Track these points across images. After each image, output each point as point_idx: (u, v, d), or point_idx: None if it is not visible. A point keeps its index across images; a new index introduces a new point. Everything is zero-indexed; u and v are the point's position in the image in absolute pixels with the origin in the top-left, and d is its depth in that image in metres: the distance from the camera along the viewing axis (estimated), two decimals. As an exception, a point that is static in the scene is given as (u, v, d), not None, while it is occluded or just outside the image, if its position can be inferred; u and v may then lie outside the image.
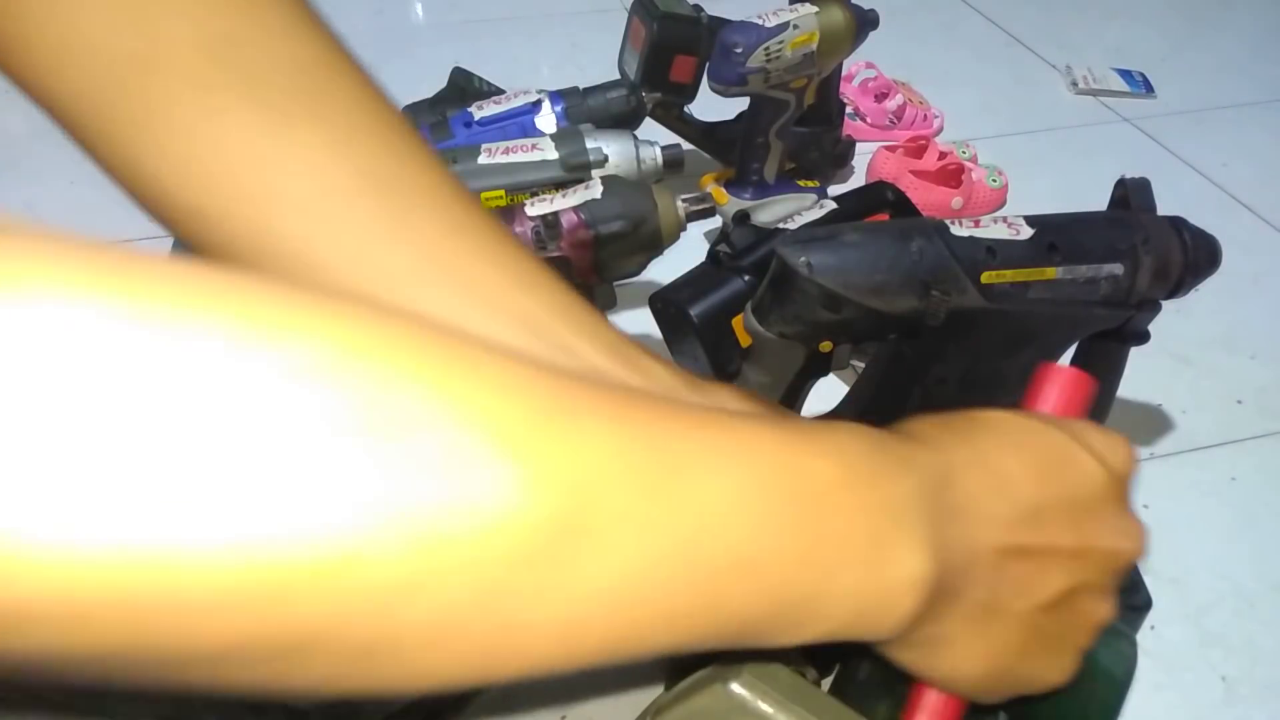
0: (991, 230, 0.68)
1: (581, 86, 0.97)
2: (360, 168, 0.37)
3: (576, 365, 0.40)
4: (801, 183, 1.09)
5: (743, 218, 0.89)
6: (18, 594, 0.17)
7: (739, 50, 0.94)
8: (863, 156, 1.19)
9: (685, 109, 1.08)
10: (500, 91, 1.03)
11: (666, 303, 0.87)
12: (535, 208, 0.74)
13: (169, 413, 0.18)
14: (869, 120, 1.30)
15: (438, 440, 0.21)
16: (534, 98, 0.95)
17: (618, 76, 1.03)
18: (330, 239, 0.37)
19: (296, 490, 0.19)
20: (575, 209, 0.74)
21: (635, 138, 0.88)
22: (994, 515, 0.31)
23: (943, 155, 1.18)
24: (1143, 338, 0.75)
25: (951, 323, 0.66)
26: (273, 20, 0.37)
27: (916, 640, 0.31)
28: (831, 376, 0.74)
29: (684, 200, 0.76)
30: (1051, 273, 0.68)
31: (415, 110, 1.00)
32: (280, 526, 0.19)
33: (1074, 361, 0.79)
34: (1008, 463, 0.32)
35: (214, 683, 0.21)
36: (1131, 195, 0.73)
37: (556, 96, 0.95)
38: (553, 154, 0.84)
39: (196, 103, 0.35)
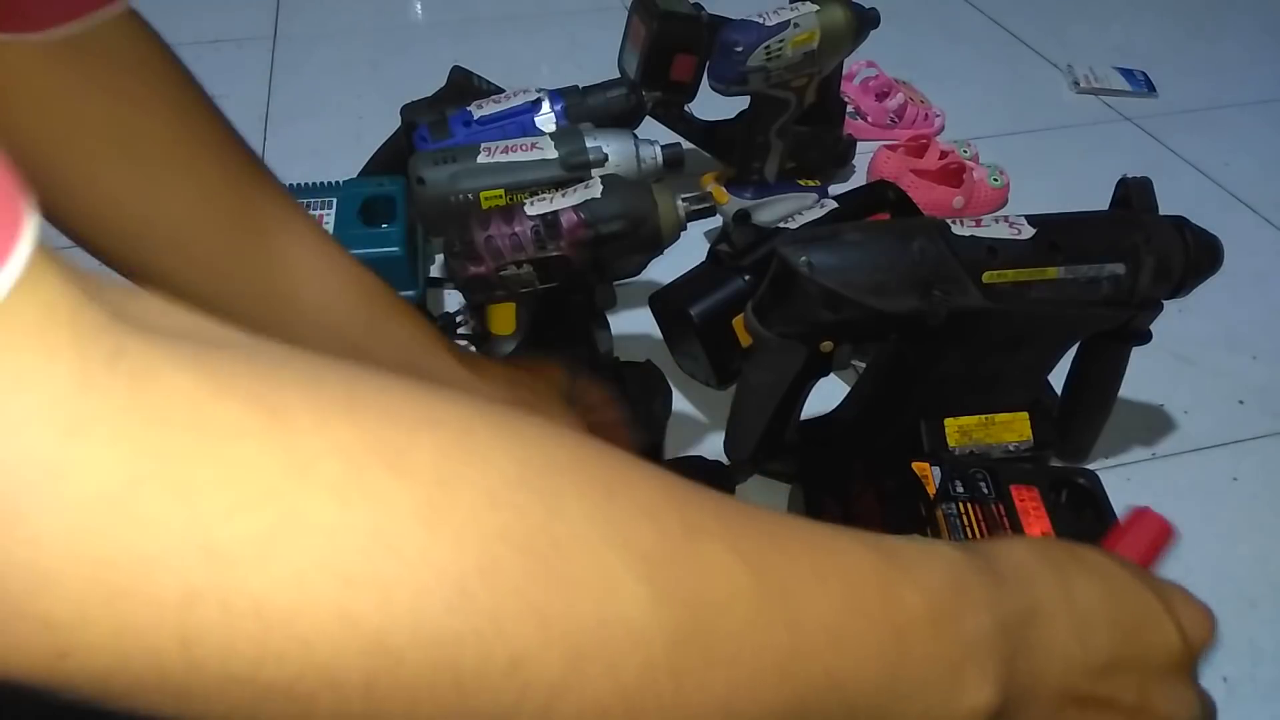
0: (993, 230, 0.68)
1: (581, 85, 0.97)
2: (215, 217, 0.53)
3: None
4: (802, 182, 1.09)
5: (743, 217, 0.89)
6: (287, 670, 0.21)
7: (739, 49, 0.93)
8: (864, 156, 1.19)
9: (685, 108, 1.08)
10: (500, 90, 1.03)
11: (666, 303, 0.87)
12: (535, 207, 0.74)
13: (403, 526, 0.22)
14: (870, 119, 1.30)
15: (591, 561, 0.24)
16: (533, 96, 0.95)
17: (618, 75, 1.03)
18: (195, 273, 0.52)
19: (486, 598, 0.22)
20: (575, 208, 0.73)
21: (635, 137, 0.87)
22: (1068, 660, 0.32)
23: (944, 154, 1.18)
24: (1144, 337, 0.75)
25: (952, 322, 0.66)
26: (157, 108, 0.51)
27: None
28: (832, 376, 0.74)
29: (684, 200, 0.76)
30: (1053, 272, 0.68)
31: (414, 109, 1.00)
32: (467, 626, 0.22)
33: (1075, 361, 0.78)
34: (1095, 613, 0.33)
35: None
36: (1133, 195, 0.72)
37: (556, 95, 0.95)
38: (552, 153, 0.84)
39: (93, 173, 0.49)
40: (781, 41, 0.94)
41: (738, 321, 0.83)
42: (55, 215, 0.49)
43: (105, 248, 0.51)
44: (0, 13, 0.46)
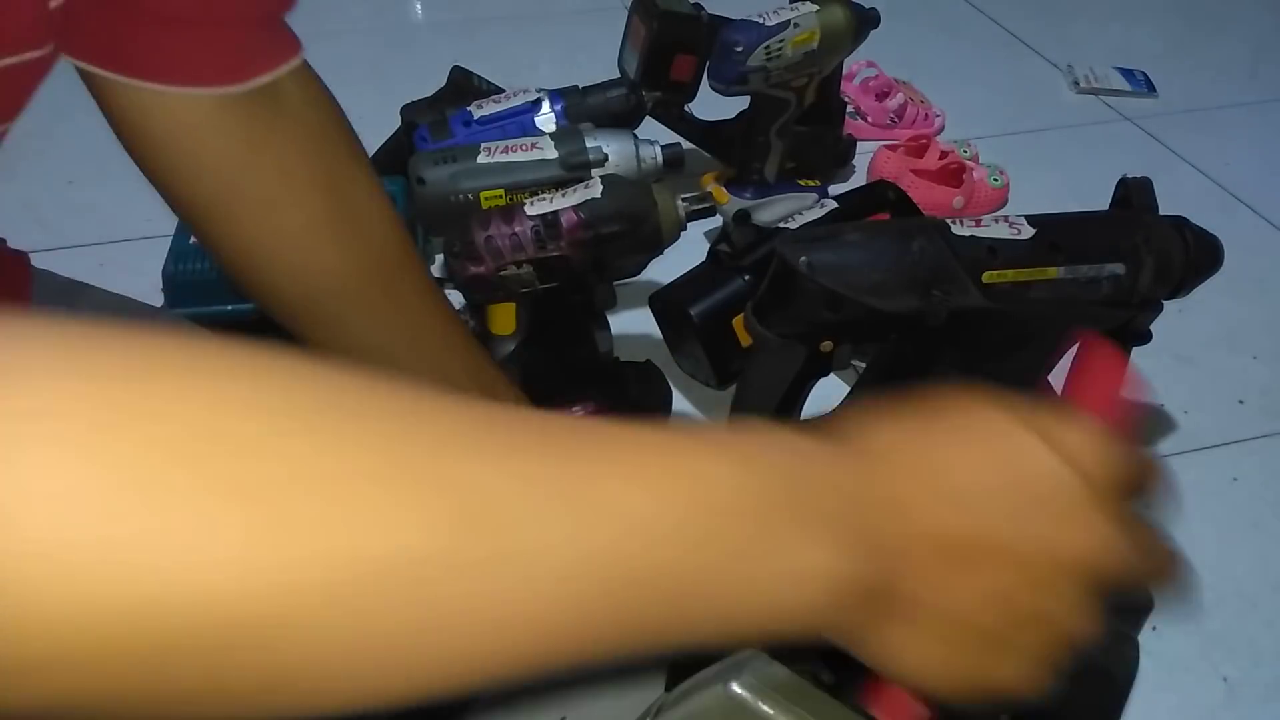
0: (993, 230, 0.68)
1: (581, 85, 0.97)
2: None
3: None
4: (802, 182, 1.09)
5: (743, 217, 0.89)
6: (38, 644, 0.19)
7: (739, 49, 0.93)
8: (864, 156, 1.19)
9: (685, 108, 1.08)
10: (500, 90, 1.03)
11: (666, 303, 0.87)
12: (535, 207, 0.74)
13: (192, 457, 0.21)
14: (870, 119, 1.30)
15: (341, 494, 0.22)
16: (533, 96, 0.95)
17: (618, 75, 1.03)
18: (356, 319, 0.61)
19: (270, 532, 0.21)
20: (575, 208, 0.73)
21: (635, 137, 0.87)
22: (924, 505, 0.31)
23: (944, 154, 1.18)
24: (1144, 337, 0.75)
25: (952, 322, 0.66)
26: (337, 151, 0.63)
27: (870, 638, 0.31)
28: (832, 376, 0.74)
29: (684, 200, 0.76)
30: (1053, 272, 0.68)
31: (415, 109, 1.00)
32: (270, 565, 0.21)
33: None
34: (946, 452, 0.32)
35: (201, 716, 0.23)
36: (1133, 195, 0.72)
37: (556, 95, 0.95)
38: (552, 153, 0.84)
39: (280, 214, 0.56)
40: (781, 41, 0.94)
41: (738, 321, 0.83)
42: (242, 259, 0.56)
43: (289, 292, 0.58)
44: (206, 68, 0.49)
